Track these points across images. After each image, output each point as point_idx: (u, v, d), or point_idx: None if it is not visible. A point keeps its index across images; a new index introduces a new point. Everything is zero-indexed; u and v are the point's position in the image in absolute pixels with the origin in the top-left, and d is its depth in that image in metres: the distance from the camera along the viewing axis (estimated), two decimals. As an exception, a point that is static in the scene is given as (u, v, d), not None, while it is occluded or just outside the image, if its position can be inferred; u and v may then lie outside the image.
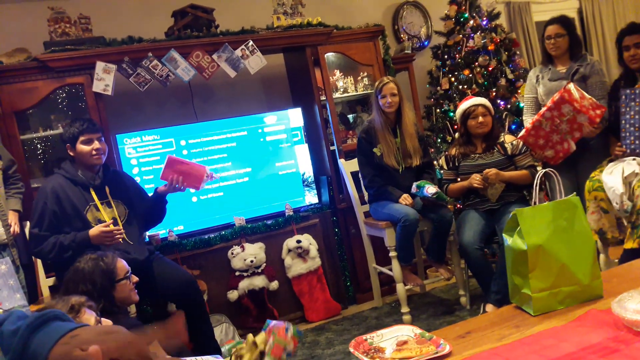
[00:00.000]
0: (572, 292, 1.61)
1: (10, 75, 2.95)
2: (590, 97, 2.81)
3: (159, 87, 3.32)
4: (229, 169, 3.55)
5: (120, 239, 2.46)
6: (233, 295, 3.27)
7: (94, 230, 2.43)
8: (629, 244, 2.55)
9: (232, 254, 3.30)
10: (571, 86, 2.77)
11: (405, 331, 1.61)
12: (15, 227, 2.58)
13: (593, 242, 1.65)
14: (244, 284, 3.28)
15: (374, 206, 3.30)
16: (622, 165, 2.69)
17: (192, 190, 2.77)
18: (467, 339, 1.53)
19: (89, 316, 1.49)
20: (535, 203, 1.74)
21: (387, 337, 1.59)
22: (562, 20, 3.12)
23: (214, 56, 3.37)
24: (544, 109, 2.88)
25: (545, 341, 1.42)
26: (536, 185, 1.77)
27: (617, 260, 2.72)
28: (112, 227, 2.42)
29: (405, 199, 3.12)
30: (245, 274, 3.29)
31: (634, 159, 2.70)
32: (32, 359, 0.70)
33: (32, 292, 2.72)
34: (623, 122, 2.71)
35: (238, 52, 3.41)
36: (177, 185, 2.68)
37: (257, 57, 3.45)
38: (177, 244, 3.24)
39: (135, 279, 2.03)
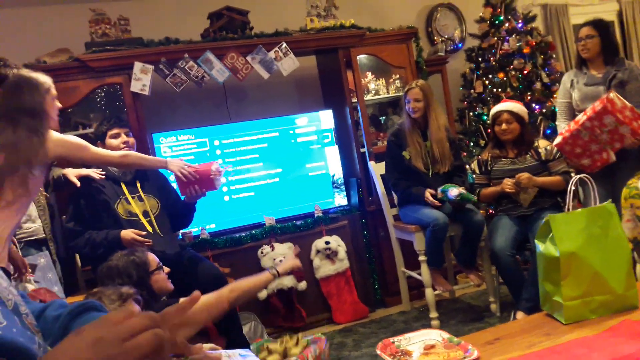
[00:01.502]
0: (605, 302, 1.58)
1: (53, 75, 2.99)
2: (631, 106, 2.73)
3: (193, 87, 3.39)
4: (261, 169, 3.60)
5: (147, 243, 2.51)
6: (262, 294, 3.30)
7: (126, 233, 2.49)
8: (668, 254, 2.48)
9: (262, 253, 3.34)
10: (613, 96, 2.70)
11: (433, 335, 1.61)
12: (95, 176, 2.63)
13: (629, 251, 1.62)
14: (273, 284, 3.30)
15: (403, 210, 3.29)
16: (662, 172, 2.62)
17: (215, 190, 2.78)
18: (495, 345, 1.52)
19: (133, 307, 1.55)
20: (568, 209, 1.71)
21: (415, 341, 1.59)
22: (595, 23, 3.07)
23: (248, 58, 3.42)
24: (583, 117, 2.80)
25: (576, 350, 1.40)
26: (570, 192, 1.74)
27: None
28: (142, 238, 2.48)
29: (430, 194, 3.07)
30: (274, 273, 3.32)
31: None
32: None
33: (73, 284, 2.81)
34: None
35: (271, 54, 3.46)
36: (198, 194, 2.69)
37: (290, 59, 3.49)
38: (209, 241, 3.30)
39: (167, 269, 2.09)
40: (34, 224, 2.55)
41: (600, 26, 3.04)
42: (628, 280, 1.59)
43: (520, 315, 2.73)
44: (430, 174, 3.19)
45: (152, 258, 2.04)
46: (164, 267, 2.08)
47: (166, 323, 0.69)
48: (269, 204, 3.58)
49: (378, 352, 1.55)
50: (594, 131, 2.78)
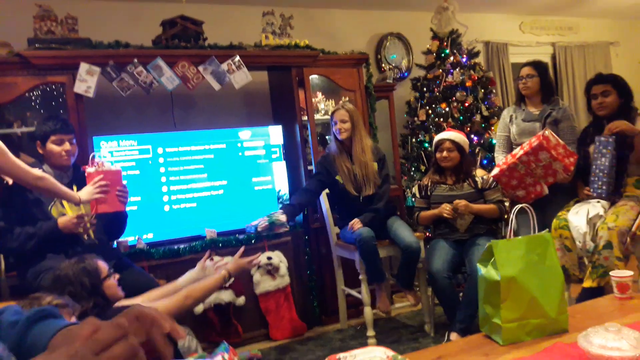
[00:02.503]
0: (540, 325, 1.67)
1: (-10, 68, 2.89)
2: (564, 143, 2.92)
3: (139, 93, 3.31)
4: (205, 180, 3.54)
5: (90, 228, 2.42)
6: (198, 308, 3.22)
7: (64, 219, 2.39)
8: (588, 283, 2.66)
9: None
10: (548, 133, 2.88)
11: (378, 353, 1.63)
12: None
13: (562, 278, 1.72)
14: (211, 298, 3.24)
15: (342, 231, 3.34)
16: (588, 206, 2.82)
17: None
18: (438, 364, 1.57)
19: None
20: (509, 236, 1.81)
21: (360, 357, 1.61)
22: (535, 63, 3.28)
23: (200, 68, 3.38)
24: (520, 152, 2.96)
25: (513, 370, 1.46)
26: (512, 220, 1.84)
27: (575, 298, 2.82)
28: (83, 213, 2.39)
29: (354, 224, 3.14)
30: (212, 287, 3.25)
31: (598, 202, 2.83)
32: (30, 349, 0.72)
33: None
34: (594, 166, 2.82)
35: (224, 66, 3.44)
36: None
37: (243, 73, 3.48)
38: (145, 252, 3.19)
39: (117, 276, 2.03)
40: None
41: (540, 67, 3.26)
42: (560, 305, 1.69)
43: (454, 336, 2.83)
44: (361, 197, 3.25)
45: (102, 265, 1.97)
46: (114, 274, 2.01)
47: (142, 323, 0.68)
48: (212, 217, 3.52)
49: (325, 368, 1.56)
50: (529, 165, 2.95)
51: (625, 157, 2.83)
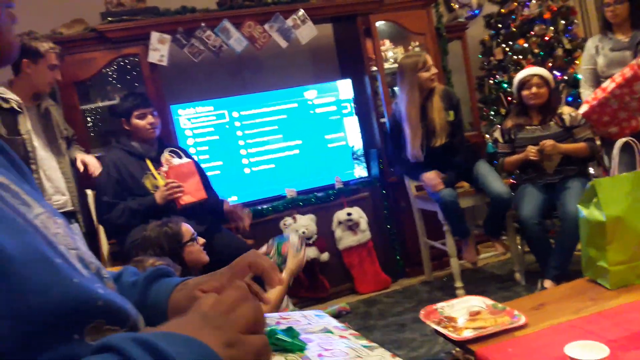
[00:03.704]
0: (652, 266, 1.56)
1: (70, 46, 3.00)
2: None
3: (208, 58, 3.33)
4: (280, 140, 3.56)
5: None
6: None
7: (159, 194, 2.53)
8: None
9: (285, 225, 3.34)
10: None
11: (476, 302, 1.59)
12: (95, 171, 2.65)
13: (675, 215, 1.58)
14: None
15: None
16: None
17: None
18: (541, 311, 1.51)
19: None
20: (613, 173, 1.68)
21: (458, 307, 1.58)
22: None
23: (266, 26, 3.35)
24: (612, 85, 2.73)
25: (626, 315, 1.38)
26: (616, 156, 1.70)
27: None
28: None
29: (430, 179, 3.01)
30: (297, 245, 3.32)
31: None
32: (153, 306, 0.75)
33: (97, 258, 2.81)
34: None
35: (289, 22, 3.38)
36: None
37: (309, 27, 3.41)
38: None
39: (201, 240, 2.08)
40: (63, 197, 2.55)
41: None
42: (675, 244, 1.56)
43: (548, 283, 2.72)
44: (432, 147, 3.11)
45: (186, 229, 2.01)
46: (199, 238, 2.06)
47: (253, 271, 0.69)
48: (290, 176, 3.56)
49: (422, 318, 1.54)
50: (623, 98, 2.72)
51: None
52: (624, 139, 1.71)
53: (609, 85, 2.78)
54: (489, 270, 3.51)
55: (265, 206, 3.36)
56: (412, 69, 3.02)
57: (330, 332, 0.92)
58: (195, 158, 2.95)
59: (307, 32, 3.44)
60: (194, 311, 0.52)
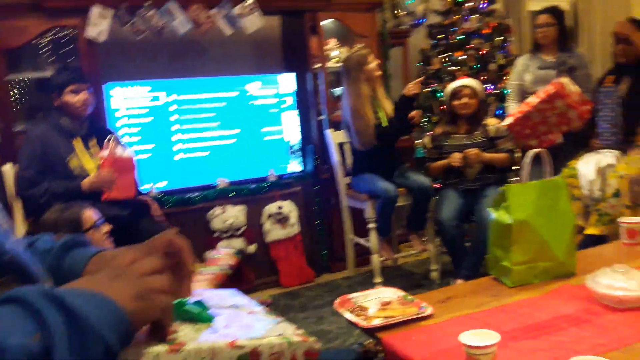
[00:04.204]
0: (548, 268, 1.69)
1: (1, 12, 2.85)
2: (579, 91, 2.87)
3: (150, 38, 3.26)
4: (217, 128, 3.54)
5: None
6: (210, 255, 3.30)
7: (87, 180, 2.46)
8: (591, 230, 2.67)
9: (213, 214, 3.32)
10: (565, 81, 2.83)
11: (388, 293, 1.67)
12: None
13: (573, 223, 1.73)
14: (222, 245, 3.31)
15: (355, 179, 3.35)
16: (599, 156, 2.80)
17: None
18: (447, 303, 1.60)
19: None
20: (523, 181, 1.81)
21: (371, 298, 1.65)
22: (553, 10, 3.19)
23: (213, 11, 3.32)
24: (535, 100, 2.92)
25: (521, 310, 1.50)
26: (528, 164, 1.83)
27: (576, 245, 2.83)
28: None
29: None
30: (224, 235, 3.32)
31: (609, 152, 2.80)
32: (67, 273, 0.74)
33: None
34: (599, 118, 2.81)
35: (237, 10, 3.37)
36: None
37: (255, 17, 3.42)
38: (158, 200, 3.23)
39: (106, 228, 2.04)
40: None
41: (558, 15, 3.17)
42: (569, 249, 1.71)
43: (459, 282, 2.87)
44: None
45: (88, 215, 1.98)
46: (103, 225, 2.02)
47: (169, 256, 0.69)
48: (224, 166, 3.54)
49: (336, 307, 1.60)
50: (544, 113, 2.90)
51: (638, 105, 2.78)
52: (535, 150, 1.84)
53: (533, 100, 2.96)
54: (408, 268, 3.67)
55: (194, 194, 3.33)
56: (358, 63, 3.17)
57: (239, 308, 0.95)
58: (126, 139, 2.89)
59: (253, 22, 3.44)
60: (106, 269, 0.53)
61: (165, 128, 3.40)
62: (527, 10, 5.15)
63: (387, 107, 3.28)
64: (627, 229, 1.94)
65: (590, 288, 1.43)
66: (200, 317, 0.76)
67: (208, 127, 3.51)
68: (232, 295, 1.11)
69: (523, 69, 3.30)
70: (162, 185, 3.38)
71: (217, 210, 3.33)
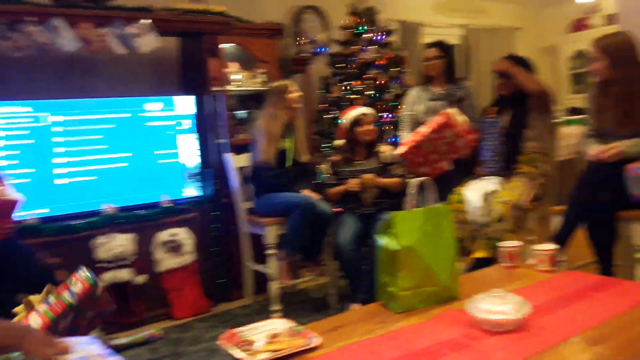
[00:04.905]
0: (433, 293, 1.73)
1: None
2: (466, 121, 3.04)
3: (35, 55, 3.02)
4: (106, 151, 3.33)
5: None
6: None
7: None
8: (479, 254, 2.81)
9: (98, 243, 3.09)
10: (453, 111, 2.98)
11: (278, 324, 1.62)
12: None
13: (455, 248, 1.79)
14: (108, 276, 3.08)
15: (261, 200, 3.26)
16: (483, 183, 2.96)
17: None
18: (337, 332, 1.58)
19: None
20: (409, 208, 1.85)
21: (260, 331, 1.59)
22: (439, 44, 3.37)
23: (104, 30, 3.15)
24: (427, 130, 3.04)
25: (406, 336, 1.51)
26: (414, 192, 1.88)
27: (466, 269, 2.96)
28: None
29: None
30: (110, 265, 3.10)
31: (493, 179, 2.98)
32: None
33: None
34: (483, 147, 3.00)
35: (131, 30, 3.22)
36: None
37: (151, 38, 3.28)
38: (38, 228, 2.96)
39: None
40: None
41: (444, 48, 3.36)
42: (452, 274, 1.76)
43: (355, 306, 2.88)
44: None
45: None
46: None
47: None
48: (113, 191, 3.32)
49: (221, 342, 1.52)
50: (434, 142, 3.03)
51: (520, 134, 2.99)
52: (420, 179, 1.90)
53: (424, 130, 3.09)
54: (307, 294, 3.64)
55: (78, 222, 3.08)
56: (280, 91, 3.25)
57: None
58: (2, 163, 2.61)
59: (149, 42, 3.30)
60: None
61: (46, 151, 3.14)
62: (422, 43, 5.46)
63: (301, 140, 3.33)
64: (507, 253, 2.05)
65: (470, 313, 1.48)
66: None
67: (96, 150, 3.29)
68: (87, 344, 1.02)
69: (415, 100, 3.45)
70: (45, 211, 3.10)
71: (101, 238, 3.10)
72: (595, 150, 2.47)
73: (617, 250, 2.53)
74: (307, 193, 3.21)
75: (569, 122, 5.26)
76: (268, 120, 3.23)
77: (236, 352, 1.45)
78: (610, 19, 5.78)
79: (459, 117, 2.99)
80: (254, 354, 1.43)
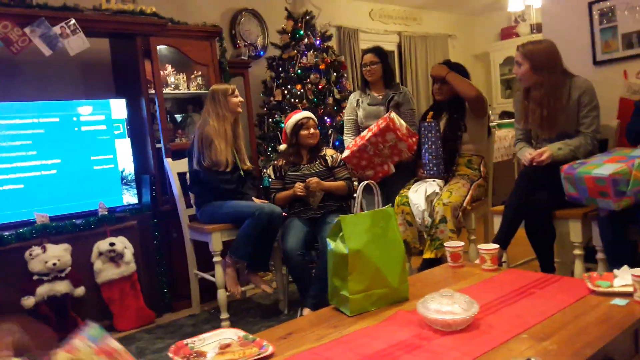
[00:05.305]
0: (384, 295, 1.75)
1: None
2: (407, 125, 3.10)
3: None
4: (34, 158, 3.13)
5: None
6: (29, 301, 2.87)
7: None
8: (427, 255, 2.87)
9: (31, 255, 2.90)
10: (394, 115, 3.03)
11: (228, 334, 1.58)
12: None
13: (403, 250, 1.82)
14: (43, 290, 2.90)
15: (208, 207, 3.15)
16: (426, 185, 3.03)
17: None
18: (288, 339, 1.56)
19: None
20: (356, 211, 1.86)
21: (210, 341, 1.54)
22: (377, 50, 3.43)
23: (27, 29, 2.96)
24: (369, 134, 3.08)
25: (359, 340, 1.51)
26: (358, 196, 1.89)
27: (416, 269, 3.03)
28: None
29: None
30: (45, 278, 2.92)
31: (434, 181, 3.06)
32: None
33: None
34: (423, 150, 3.07)
35: (57, 30, 3.05)
36: None
37: (79, 38, 3.12)
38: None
39: None
40: None
41: (381, 54, 3.41)
42: (402, 275, 1.79)
43: (306, 311, 2.87)
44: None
45: None
46: None
47: None
48: (43, 199, 3.14)
49: (170, 355, 1.46)
50: (377, 146, 3.08)
51: (457, 138, 3.09)
52: (365, 182, 1.91)
53: (366, 134, 3.13)
54: (256, 300, 3.58)
55: (7, 233, 2.88)
56: (224, 93, 3.15)
57: None
58: None
59: (77, 43, 3.14)
60: None
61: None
62: (360, 48, 5.55)
63: (241, 148, 3.24)
64: (451, 253, 2.10)
65: (421, 313, 1.50)
66: None
67: (23, 157, 3.09)
68: None
69: (355, 104, 3.48)
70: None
71: (35, 250, 2.91)
72: (528, 156, 2.59)
73: (556, 248, 2.65)
74: (258, 201, 3.13)
75: (500, 126, 5.53)
76: (217, 120, 3.11)
77: (187, 366, 1.40)
78: (537, 27, 6.11)
79: (399, 122, 3.05)
80: (205, 367, 1.38)
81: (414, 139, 3.08)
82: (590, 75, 2.86)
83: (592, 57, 3.16)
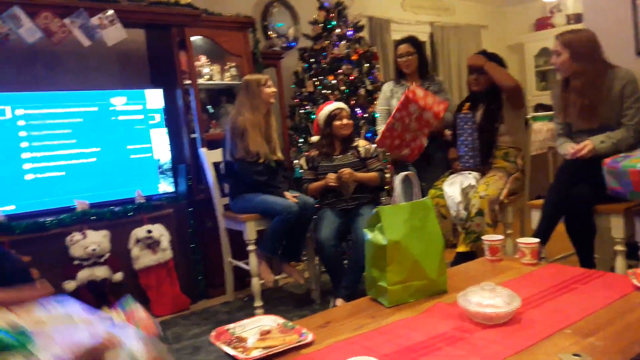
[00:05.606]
0: (422, 287, 1.75)
1: None
2: (431, 93, 3.02)
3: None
4: (74, 146, 3.21)
5: None
6: (70, 285, 2.97)
7: None
8: (462, 248, 2.85)
9: (72, 240, 2.99)
10: (414, 86, 2.98)
11: (267, 321, 1.61)
12: None
13: (442, 242, 1.80)
14: (84, 274, 3.00)
15: (240, 199, 3.20)
16: (461, 178, 3.00)
17: None
18: (327, 328, 1.57)
19: None
20: (395, 202, 1.85)
21: (250, 327, 1.57)
22: (412, 40, 3.38)
23: (67, 20, 3.03)
24: (393, 111, 3.05)
25: (398, 331, 1.51)
26: (397, 186, 1.88)
27: (449, 262, 3.01)
28: None
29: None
30: (85, 263, 3.01)
31: (470, 173, 3.02)
32: None
33: None
34: (459, 142, 3.03)
35: (95, 20, 3.11)
36: None
37: (117, 29, 3.18)
38: (5, 226, 2.84)
39: None
40: None
41: (417, 44, 3.38)
42: (440, 267, 1.78)
43: (339, 302, 2.89)
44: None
45: None
46: None
47: None
48: (83, 187, 3.22)
49: (212, 340, 1.49)
50: (404, 121, 3.01)
51: (494, 129, 3.04)
52: (403, 174, 1.90)
53: (391, 113, 3.10)
54: (289, 289, 3.62)
55: (49, 219, 2.97)
56: (257, 83, 3.14)
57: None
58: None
59: (114, 34, 3.20)
60: None
61: (12, 145, 3.01)
62: (391, 39, 5.50)
63: (274, 139, 3.23)
64: (490, 247, 2.09)
65: (462, 306, 1.49)
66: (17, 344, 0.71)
67: (64, 145, 3.18)
68: (60, 303, 1.04)
69: (389, 95, 3.46)
70: (10, 208, 2.97)
71: (76, 236, 3.00)
72: (571, 150, 2.53)
73: (596, 243, 2.60)
74: (288, 197, 3.10)
75: (536, 119, 5.43)
76: (250, 111, 3.12)
77: (229, 350, 1.43)
78: (573, 18, 5.96)
79: (420, 92, 2.96)
80: (247, 351, 1.40)
81: (441, 106, 2.98)
82: (633, 66, 2.78)
83: (634, 48, 3.07)
